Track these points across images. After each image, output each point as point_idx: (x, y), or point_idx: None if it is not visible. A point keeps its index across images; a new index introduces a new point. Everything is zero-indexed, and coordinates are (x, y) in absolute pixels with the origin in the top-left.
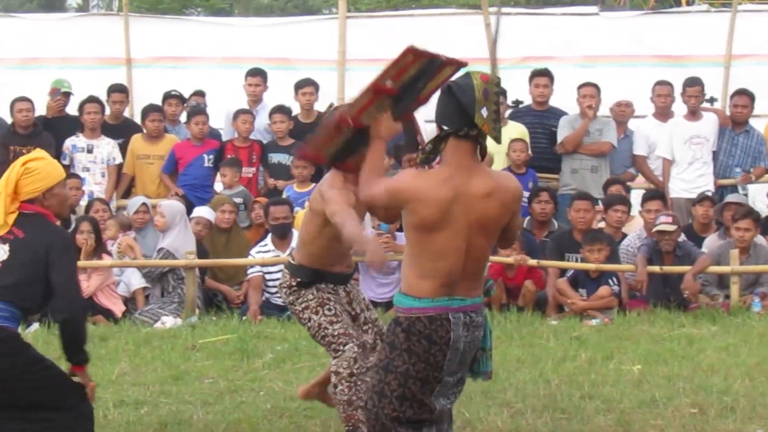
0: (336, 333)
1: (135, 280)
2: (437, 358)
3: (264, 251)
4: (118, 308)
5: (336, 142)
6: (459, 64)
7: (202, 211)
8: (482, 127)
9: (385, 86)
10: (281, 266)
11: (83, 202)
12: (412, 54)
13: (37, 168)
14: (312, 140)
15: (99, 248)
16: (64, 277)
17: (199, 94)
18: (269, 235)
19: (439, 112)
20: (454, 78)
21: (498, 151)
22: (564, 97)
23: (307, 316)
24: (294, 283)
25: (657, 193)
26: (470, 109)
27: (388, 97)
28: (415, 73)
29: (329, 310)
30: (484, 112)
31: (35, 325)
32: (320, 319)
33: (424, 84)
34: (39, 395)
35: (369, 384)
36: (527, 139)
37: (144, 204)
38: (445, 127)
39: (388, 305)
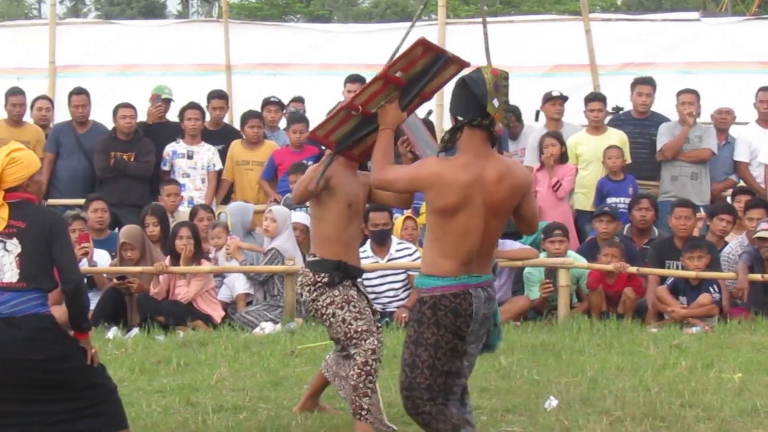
0: (359, 329)
1: (239, 285)
2: (462, 329)
3: (363, 257)
4: (218, 314)
5: (344, 128)
6: (462, 64)
7: (299, 217)
8: (494, 116)
9: (396, 77)
10: (380, 272)
11: (182, 208)
12: (423, 46)
13: (21, 158)
14: (322, 124)
15: (198, 254)
16: (67, 252)
17: (299, 100)
18: (368, 242)
19: (455, 104)
20: (464, 73)
21: (595, 158)
22: (665, 103)
23: (331, 311)
24: (319, 280)
25: (760, 201)
26: (483, 100)
27: (397, 87)
28: (422, 69)
29: (354, 306)
30: (496, 102)
31: (135, 330)
32: (345, 315)
33: (429, 80)
34: (81, 375)
35: (401, 360)
36: (626, 147)
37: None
38: (460, 118)
39: None
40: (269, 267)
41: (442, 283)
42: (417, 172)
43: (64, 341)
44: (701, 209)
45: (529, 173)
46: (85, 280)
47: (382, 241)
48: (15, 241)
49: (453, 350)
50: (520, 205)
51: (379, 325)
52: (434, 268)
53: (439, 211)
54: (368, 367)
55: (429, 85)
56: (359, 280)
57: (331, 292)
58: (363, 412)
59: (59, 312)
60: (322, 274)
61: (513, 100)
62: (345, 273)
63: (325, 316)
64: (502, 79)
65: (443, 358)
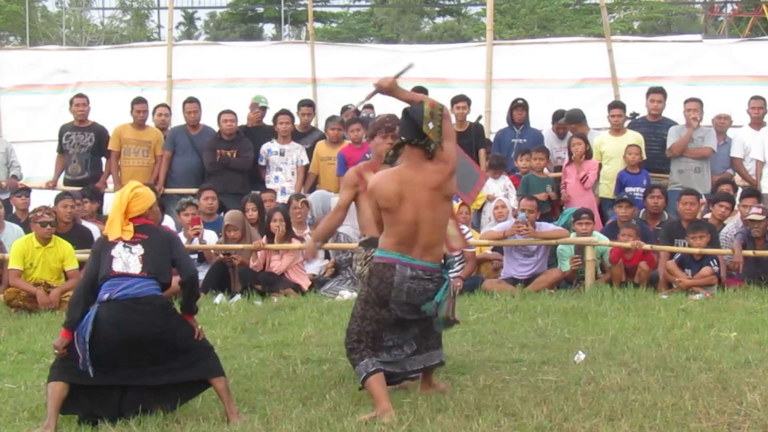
0: None
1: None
2: (383, 292)
3: None
4: (305, 283)
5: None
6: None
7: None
8: (429, 135)
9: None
10: None
11: (279, 199)
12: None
13: (143, 193)
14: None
15: (289, 233)
16: (185, 256)
17: (370, 107)
18: None
19: (400, 129)
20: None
21: (616, 155)
22: (674, 110)
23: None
24: (369, 255)
25: (753, 191)
26: (420, 124)
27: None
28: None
29: None
30: (431, 125)
31: (237, 296)
32: None
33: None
34: (187, 341)
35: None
36: (642, 146)
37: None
38: (403, 138)
39: (527, 281)
40: (343, 244)
41: (379, 254)
42: (369, 187)
43: (174, 316)
44: (703, 197)
45: (447, 170)
46: (197, 255)
47: None
48: (138, 246)
49: (380, 306)
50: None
51: None
52: (381, 244)
53: (383, 209)
54: None
55: None
56: None
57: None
58: None
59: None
60: (372, 250)
61: (550, 106)
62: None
63: None
64: (437, 110)
65: (371, 310)
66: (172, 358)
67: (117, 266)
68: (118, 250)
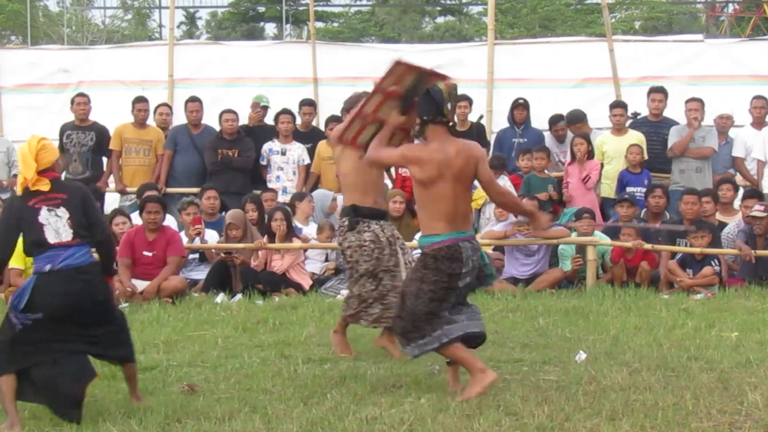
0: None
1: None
2: (456, 271)
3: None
4: (306, 282)
5: (366, 132)
6: (443, 77)
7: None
8: (447, 116)
9: (392, 90)
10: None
11: (281, 198)
12: (405, 66)
13: (49, 144)
14: (346, 129)
15: (290, 233)
16: (98, 215)
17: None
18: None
19: (421, 108)
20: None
21: (618, 155)
22: (675, 110)
23: (349, 254)
24: (342, 224)
25: (755, 192)
26: (441, 105)
27: (396, 99)
28: (413, 82)
29: (364, 250)
30: (449, 106)
31: (239, 296)
32: (357, 257)
33: (421, 89)
34: (111, 308)
35: (406, 291)
36: (644, 145)
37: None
38: (426, 117)
39: (528, 281)
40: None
41: (438, 239)
42: (405, 153)
43: (106, 282)
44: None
45: (480, 147)
46: (198, 255)
47: None
48: (63, 209)
49: (447, 288)
50: (477, 171)
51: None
52: (430, 230)
53: (420, 183)
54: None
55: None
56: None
57: (348, 238)
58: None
59: (176, 281)
60: (343, 219)
61: (551, 106)
62: (357, 213)
63: (346, 258)
64: (453, 90)
65: (440, 292)
66: (101, 327)
67: (50, 237)
68: (44, 216)
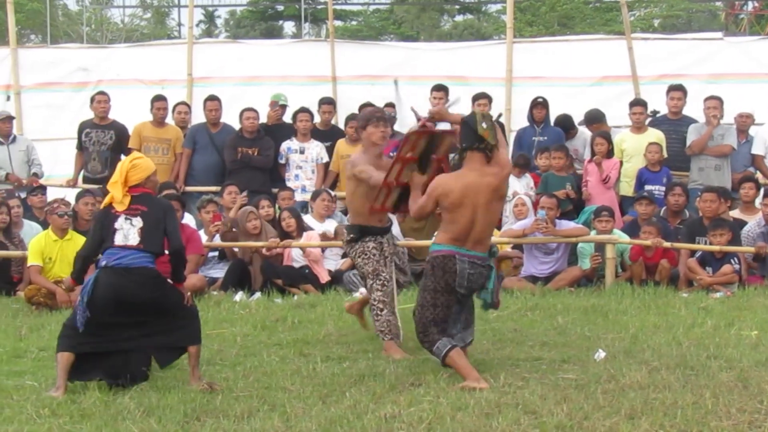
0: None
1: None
2: (449, 281)
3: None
4: (324, 274)
5: (392, 196)
6: (453, 133)
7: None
8: (483, 134)
9: (408, 157)
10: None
11: (299, 198)
12: (415, 134)
13: (140, 164)
14: (376, 197)
15: (300, 228)
16: (175, 229)
17: (391, 105)
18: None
19: (460, 137)
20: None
21: (637, 153)
22: (694, 108)
23: (357, 260)
24: (348, 239)
25: None
26: (475, 126)
27: (413, 162)
28: (426, 144)
29: (366, 256)
30: (484, 125)
31: (257, 294)
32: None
33: (435, 149)
34: (176, 306)
35: (417, 302)
36: (663, 143)
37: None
38: (464, 145)
39: (547, 279)
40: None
41: (437, 248)
42: (433, 192)
43: (165, 284)
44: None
45: (509, 169)
46: (217, 253)
47: None
48: (138, 219)
49: (449, 292)
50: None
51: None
52: (436, 238)
53: (444, 208)
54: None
55: (437, 152)
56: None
57: (355, 247)
58: (381, 334)
59: (195, 279)
60: (351, 235)
61: (570, 103)
62: (362, 233)
63: (356, 263)
64: (488, 113)
65: (441, 297)
66: (158, 321)
67: (118, 239)
68: (120, 223)
